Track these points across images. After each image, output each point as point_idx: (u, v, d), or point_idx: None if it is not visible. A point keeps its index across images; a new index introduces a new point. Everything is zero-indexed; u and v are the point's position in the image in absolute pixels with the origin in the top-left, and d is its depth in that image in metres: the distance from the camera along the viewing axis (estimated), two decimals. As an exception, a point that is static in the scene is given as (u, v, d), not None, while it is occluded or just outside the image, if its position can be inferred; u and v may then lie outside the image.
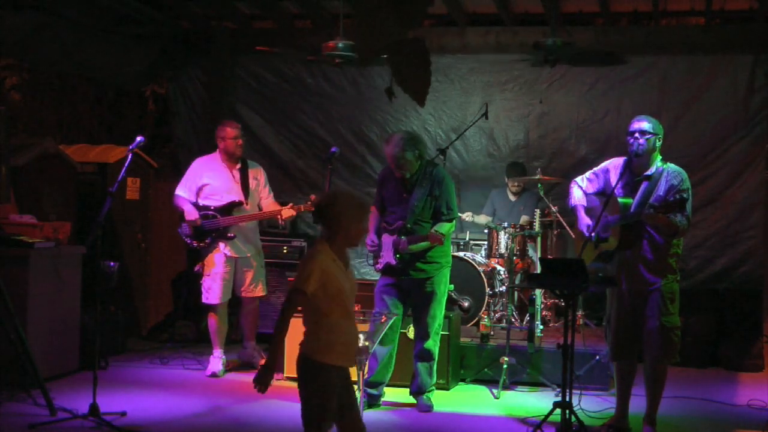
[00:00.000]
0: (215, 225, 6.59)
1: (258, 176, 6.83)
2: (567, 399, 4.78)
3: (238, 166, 6.76)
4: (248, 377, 6.64)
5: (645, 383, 5.28)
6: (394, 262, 5.78)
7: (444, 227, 5.75)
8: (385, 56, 1.90)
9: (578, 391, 5.46)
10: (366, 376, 5.72)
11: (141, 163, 8.39)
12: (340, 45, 6.81)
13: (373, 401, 5.87)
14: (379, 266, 5.90)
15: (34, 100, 11.20)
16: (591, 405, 5.73)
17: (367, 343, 4.21)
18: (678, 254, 5.22)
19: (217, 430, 5.42)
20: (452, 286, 6.21)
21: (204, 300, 6.74)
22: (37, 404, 5.53)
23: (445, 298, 5.92)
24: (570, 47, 7.73)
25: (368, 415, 5.54)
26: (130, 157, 5.71)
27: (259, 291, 6.87)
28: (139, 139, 5.76)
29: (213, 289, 6.67)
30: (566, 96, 8.22)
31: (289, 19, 8.52)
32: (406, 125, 8.35)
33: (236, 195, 6.65)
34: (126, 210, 8.31)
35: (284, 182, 8.61)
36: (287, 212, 6.57)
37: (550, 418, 4.98)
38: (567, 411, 4.78)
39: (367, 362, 4.35)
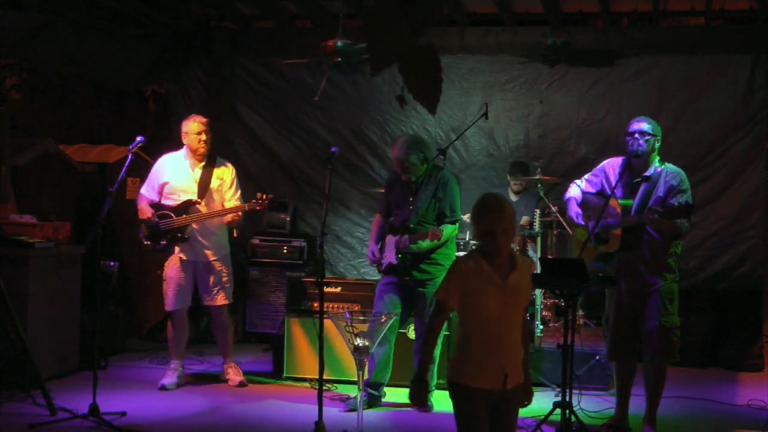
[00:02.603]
0: (169, 225, 6.19)
1: (224, 176, 6.36)
2: (567, 399, 4.78)
3: (203, 163, 6.32)
4: (247, 378, 6.65)
5: (645, 383, 5.28)
6: (395, 262, 5.78)
7: (447, 229, 5.76)
8: (397, 64, 1.87)
9: (578, 391, 5.46)
10: (366, 377, 5.73)
11: (141, 163, 8.39)
12: (340, 45, 6.81)
13: (373, 401, 5.87)
14: (382, 266, 5.90)
15: (34, 100, 11.22)
16: (591, 405, 5.73)
17: (366, 343, 4.21)
18: (677, 254, 5.23)
19: (217, 430, 5.42)
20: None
21: (165, 307, 6.36)
22: (37, 404, 5.52)
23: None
24: (570, 47, 7.73)
25: (368, 415, 5.55)
26: (130, 157, 5.72)
27: (220, 299, 6.33)
28: (139, 139, 5.77)
29: (168, 296, 6.27)
30: (566, 96, 8.21)
31: (289, 19, 8.52)
32: (406, 125, 8.35)
33: (193, 194, 6.25)
34: (126, 210, 8.30)
35: (284, 182, 8.60)
36: (231, 215, 6.19)
37: (550, 418, 4.98)
38: (567, 411, 4.78)
39: (367, 362, 4.34)
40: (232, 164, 6.56)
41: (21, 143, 7.61)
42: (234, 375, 6.40)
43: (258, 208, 6.17)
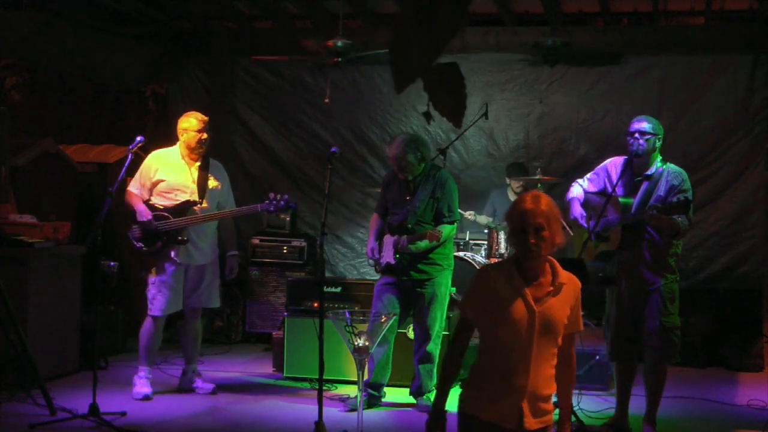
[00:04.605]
0: (166, 227, 5.87)
1: (221, 178, 6.14)
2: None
3: (198, 163, 6.04)
4: (247, 378, 6.65)
5: (645, 383, 5.27)
6: (393, 262, 5.78)
7: (445, 229, 5.75)
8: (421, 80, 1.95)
9: (578, 391, 5.45)
10: (366, 377, 5.73)
11: (141, 163, 8.38)
12: (340, 45, 6.81)
13: (373, 402, 5.87)
14: (380, 266, 5.90)
15: (34, 100, 11.22)
16: (591, 405, 5.73)
17: (366, 343, 4.21)
18: (677, 254, 5.23)
19: (217, 430, 5.42)
20: (454, 289, 6.20)
21: (149, 311, 5.99)
22: (37, 404, 5.52)
23: (447, 300, 5.91)
24: (570, 47, 7.73)
25: (368, 414, 5.54)
26: (130, 157, 5.71)
27: (210, 302, 6.13)
28: (139, 139, 5.75)
29: (158, 300, 5.90)
30: (566, 96, 8.21)
31: (289, 19, 8.52)
32: (406, 125, 8.35)
33: (191, 194, 5.95)
34: (126, 210, 8.30)
35: (284, 182, 8.60)
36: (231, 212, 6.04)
37: (550, 418, 4.98)
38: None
39: (367, 362, 4.34)
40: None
41: (21, 143, 7.61)
42: (204, 384, 6.17)
43: (272, 209, 5.90)
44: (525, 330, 3.09)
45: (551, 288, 3.15)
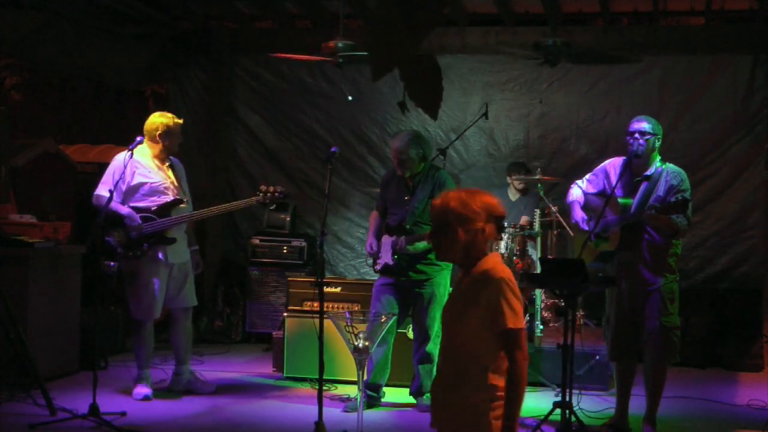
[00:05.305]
0: (154, 228, 5.81)
1: (184, 174, 6.12)
2: (567, 399, 4.78)
3: (168, 162, 5.98)
4: (247, 378, 6.65)
5: (645, 383, 5.28)
6: (392, 263, 5.78)
7: (443, 229, 5.75)
8: (398, 70, 1.93)
9: (578, 391, 5.46)
10: (365, 378, 5.72)
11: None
12: (340, 45, 6.80)
13: (372, 402, 5.87)
14: (378, 266, 5.90)
15: (34, 100, 11.24)
16: (591, 405, 5.73)
17: (367, 343, 4.20)
18: (677, 254, 5.23)
19: (217, 430, 5.42)
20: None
21: (137, 316, 5.91)
22: (37, 404, 5.52)
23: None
24: (570, 47, 7.72)
25: (368, 415, 5.54)
26: (130, 156, 5.72)
27: (193, 300, 6.10)
28: (139, 139, 5.75)
29: (153, 304, 5.87)
30: (566, 96, 8.22)
31: (289, 19, 8.52)
32: (407, 125, 8.34)
33: (173, 194, 5.91)
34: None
35: (284, 182, 8.58)
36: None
37: (550, 418, 4.98)
38: (567, 411, 4.78)
39: (367, 363, 4.34)
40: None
41: (21, 143, 7.62)
42: (204, 384, 6.18)
43: (267, 200, 5.91)
44: (445, 314, 3.28)
45: (467, 275, 3.14)
